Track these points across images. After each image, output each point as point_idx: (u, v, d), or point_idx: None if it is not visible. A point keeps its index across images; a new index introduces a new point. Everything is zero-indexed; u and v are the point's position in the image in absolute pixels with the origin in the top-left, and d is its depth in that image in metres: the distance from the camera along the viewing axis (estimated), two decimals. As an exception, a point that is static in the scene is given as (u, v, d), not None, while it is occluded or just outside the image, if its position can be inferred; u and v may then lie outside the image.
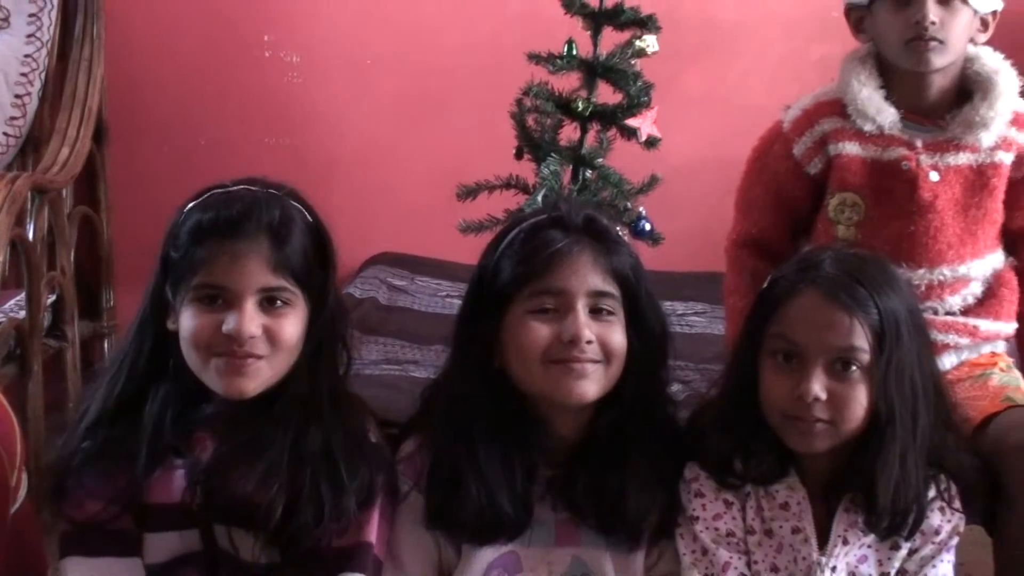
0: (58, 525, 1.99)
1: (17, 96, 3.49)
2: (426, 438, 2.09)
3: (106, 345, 3.69)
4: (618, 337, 2.02)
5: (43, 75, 3.53)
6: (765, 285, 2.08)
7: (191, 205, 2.00)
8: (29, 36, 3.51)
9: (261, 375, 1.95)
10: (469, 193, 2.91)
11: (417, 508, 2.05)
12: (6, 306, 3.12)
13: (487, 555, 2.04)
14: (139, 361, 2.01)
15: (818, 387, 1.96)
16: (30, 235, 3.17)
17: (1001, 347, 2.50)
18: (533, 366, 2.01)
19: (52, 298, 3.28)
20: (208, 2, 3.73)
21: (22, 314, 3.10)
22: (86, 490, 1.94)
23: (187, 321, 1.94)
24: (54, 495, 1.98)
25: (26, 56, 3.50)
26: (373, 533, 2.00)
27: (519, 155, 2.93)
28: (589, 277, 2.01)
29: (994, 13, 2.43)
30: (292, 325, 1.97)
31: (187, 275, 1.94)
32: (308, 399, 2.00)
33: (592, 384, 2.00)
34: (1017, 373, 2.43)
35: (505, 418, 2.04)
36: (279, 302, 1.96)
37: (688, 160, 3.45)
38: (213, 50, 3.76)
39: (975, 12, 2.38)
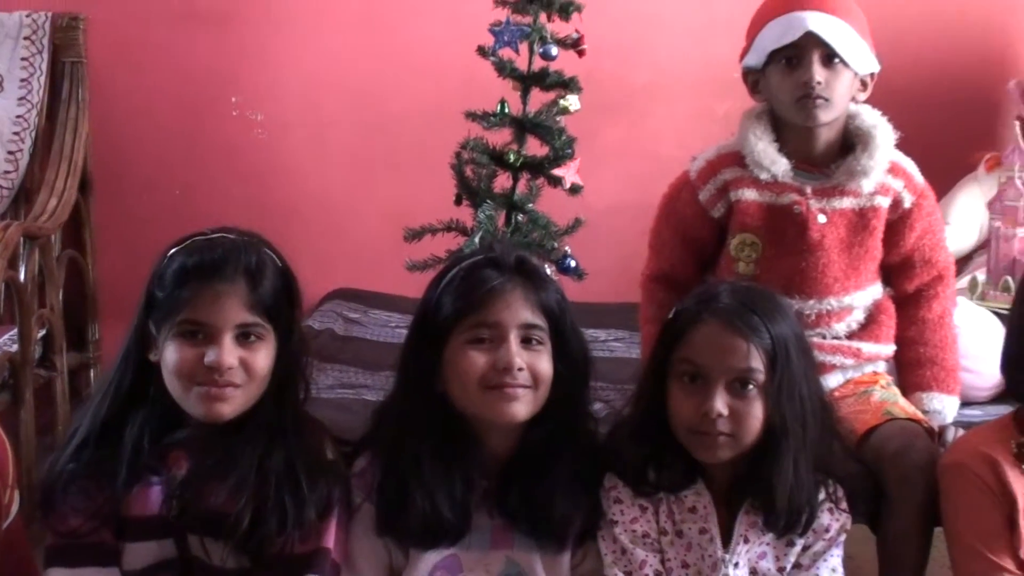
0: (46, 539, 1.99)
1: (10, 152, 3.48)
2: (376, 455, 2.09)
3: (92, 374, 3.65)
4: (545, 365, 2.04)
5: (33, 133, 3.51)
6: (670, 315, 2.10)
7: (174, 250, 2.01)
8: (21, 99, 3.50)
9: (237, 401, 1.97)
10: (415, 235, 2.92)
11: (369, 517, 2.05)
12: (0, 340, 3.10)
13: (431, 558, 2.05)
14: (121, 389, 2.02)
15: (721, 404, 1.98)
16: (22, 276, 3.15)
17: (882, 367, 2.53)
18: (471, 390, 2.02)
19: (42, 333, 3.25)
20: (181, 67, 3.71)
21: (15, 348, 3.08)
22: (70, 506, 1.95)
23: (171, 353, 1.95)
24: (41, 511, 1.98)
25: (18, 116, 3.49)
26: (331, 540, 2.00)
27: (458, 201, 2.94)
28: (520, 311, 2.03)
29: (872, 75, 2.47)
30: (264, 357, 1.99)
31: (171, 312, 1.95)
32: (274, 421, 2.01)
33: (523, 406, 2.02)
34: (895, 390, 2.46)
35: (446, 436, 2.04)
36: (253, 337, 1.97)
37: (608, 204, 3.47)
38: (186, 110, 3.74)
39: (855, 74, 2.42)
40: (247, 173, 3.78)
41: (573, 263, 2.90)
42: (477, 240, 2.78)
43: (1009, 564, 2.09)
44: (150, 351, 2.00)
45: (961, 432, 2.37)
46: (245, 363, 1.95)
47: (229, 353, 1.94)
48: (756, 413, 2.00)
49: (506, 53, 2.88)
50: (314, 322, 3.40)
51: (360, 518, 2.06)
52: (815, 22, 2.35)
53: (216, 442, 1.98)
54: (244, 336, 1.96)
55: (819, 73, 2.35)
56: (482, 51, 2.90)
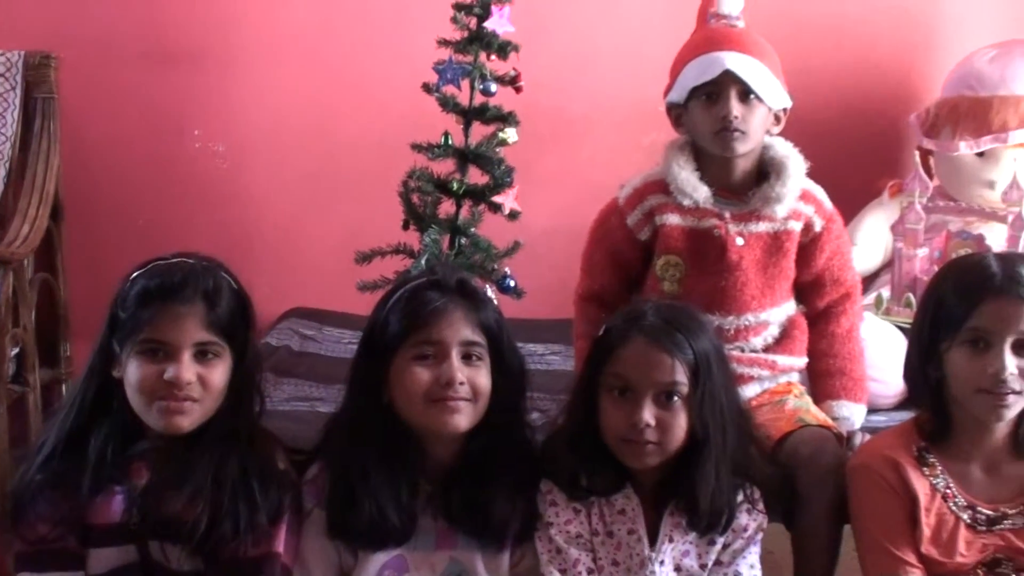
0: (15, 545, 1.96)
1: (-16, 183, 3.43)
2: (327, 463, 2.07)
3: (63, 389, 3.59)
4: (485, 379, 2.03)
5: (7, 164, 3.45)
6: (600, 333, 2.10)
7: (136, 274, 2.00)
8: (-6, 132, 3.46)
9: (195, 414, 1.96)
10: (365, 258, 2.91)
11: (320, 522, 2.03)
12: (-24, 359, 3.05)
13: (379, 559, 2.03)
14: (85, 403, 2.00)
15: (648, 415, 1.98)
16: (-5, 298, 3.10)
17: (795, 377, 2.53)
18: (416, 403, 2.01)
19: (16, 350, 3.21)
20: (147, 103, 3.67)
21: (-11, 365, 3.04)
22: (38, 515, 1.93)
23: (133, 370, 1.94)
24: (11, 519, 1.95)
25: (-8, 149, 3.45)
26: (281, 544, 1.99)
27: (406, 226, 2.93)
28: (461, 330, 2.02)
29: (785, 110, 2.48)
30: (220, 373, 1.98)
31: (134, 332, 1.94)
32: (229, 433, 2.00)
33: (464, 418, 2.01)
34: (808, 398, 2.47)
35: (392, 445, 2.03)
36: (210, 354, 1.97)
37: (544, 228, 3.44)
38: (152, 142, 3.70)
39: (770, 109, 2.43)
40: (209, 201, 3.74)
41: (512, 283, 2.90)
42: (424, 262, 2.77)
43: (911, 557, 2.10)
44: (114, 368, 1.98)
45: (867, 437, 2.38)
46: (202, 379, 1.95)
47: (187, 369, 1.93)
48: (680, 423, 2.00)
49: (449, 89, 2.88)
50: (272, 339, 3.38)
51: (312, 522, 2.04)
52: (732, 62, 2.37)
53: (175, 453, 1.96)
54: (202, 354, 1.95)
55: (736, 108, 2.37)
56: (427, 88, 2.91)
